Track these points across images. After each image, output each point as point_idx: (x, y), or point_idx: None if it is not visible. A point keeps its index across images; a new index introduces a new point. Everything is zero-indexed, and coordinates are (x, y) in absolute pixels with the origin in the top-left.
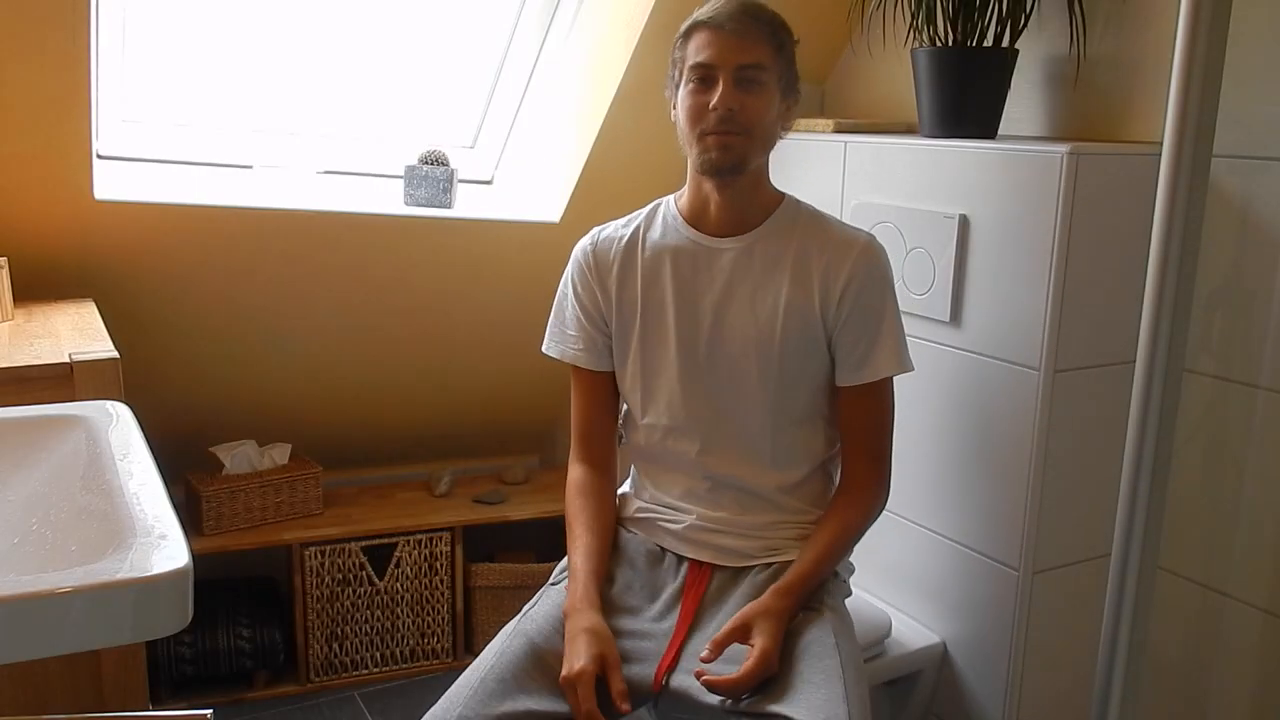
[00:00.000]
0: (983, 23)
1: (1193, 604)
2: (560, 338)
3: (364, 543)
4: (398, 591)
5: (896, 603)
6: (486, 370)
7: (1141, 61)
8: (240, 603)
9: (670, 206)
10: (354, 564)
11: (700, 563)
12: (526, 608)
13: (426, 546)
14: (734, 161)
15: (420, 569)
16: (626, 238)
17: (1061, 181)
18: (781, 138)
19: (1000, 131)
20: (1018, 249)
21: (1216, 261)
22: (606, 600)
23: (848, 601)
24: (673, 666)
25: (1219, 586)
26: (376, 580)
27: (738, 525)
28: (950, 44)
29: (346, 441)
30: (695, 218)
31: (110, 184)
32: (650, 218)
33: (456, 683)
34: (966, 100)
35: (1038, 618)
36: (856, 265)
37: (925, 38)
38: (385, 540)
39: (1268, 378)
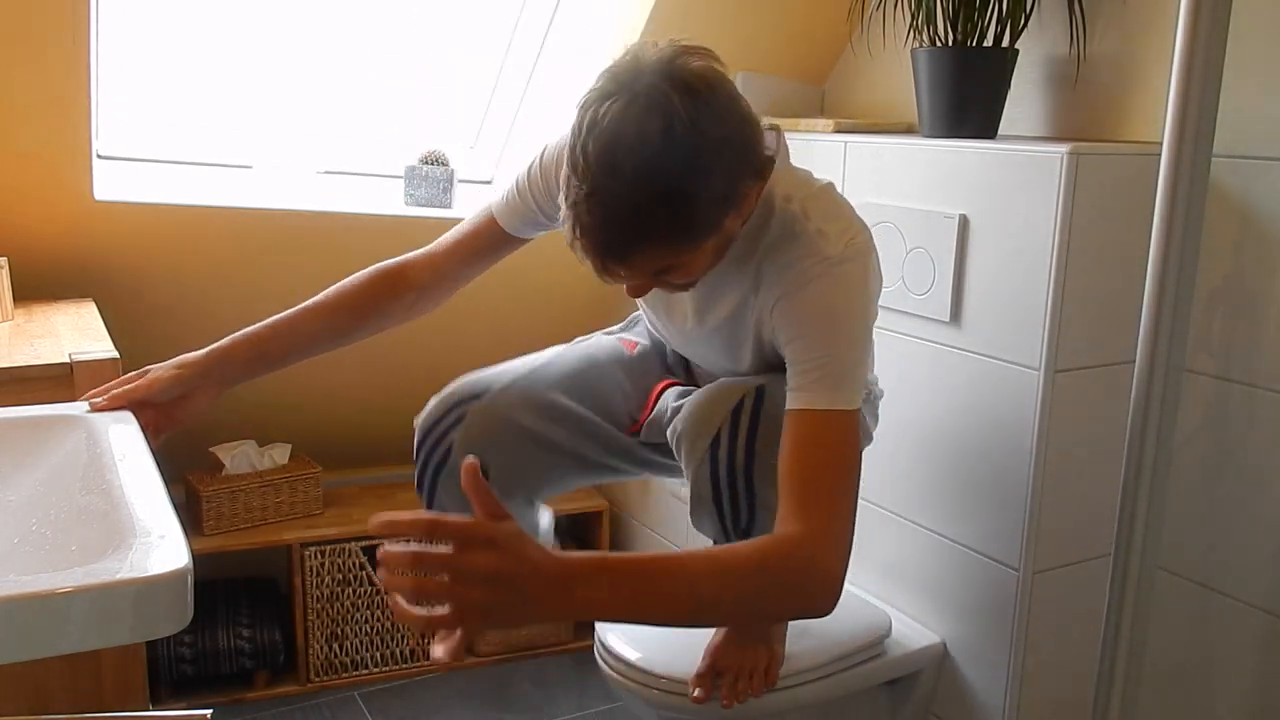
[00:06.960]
0: (983, 23)
1: (1193, 604)
2: (501, 203)
3: (364, 543)
4: None
5: (896, 603)
6: None
7: (1141, 61)
8: (240, 603)
9: None
10: (354, 564)
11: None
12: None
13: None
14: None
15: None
16: None
17: (1061, 181)
18: (744, 222)
19: (1000, 131)
20: (1018, 249)
21: (1216, 261)
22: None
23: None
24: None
25: (1219, 586)
26: (377, 580)
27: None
28: (950, 44)
29: (346, 441)
30: None
31: (110, 184)
32: None
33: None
34: (966, 100)
35: (1038, 618)
36: (799, 317)
37: (925, 38)
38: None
39: (1268, 378)
